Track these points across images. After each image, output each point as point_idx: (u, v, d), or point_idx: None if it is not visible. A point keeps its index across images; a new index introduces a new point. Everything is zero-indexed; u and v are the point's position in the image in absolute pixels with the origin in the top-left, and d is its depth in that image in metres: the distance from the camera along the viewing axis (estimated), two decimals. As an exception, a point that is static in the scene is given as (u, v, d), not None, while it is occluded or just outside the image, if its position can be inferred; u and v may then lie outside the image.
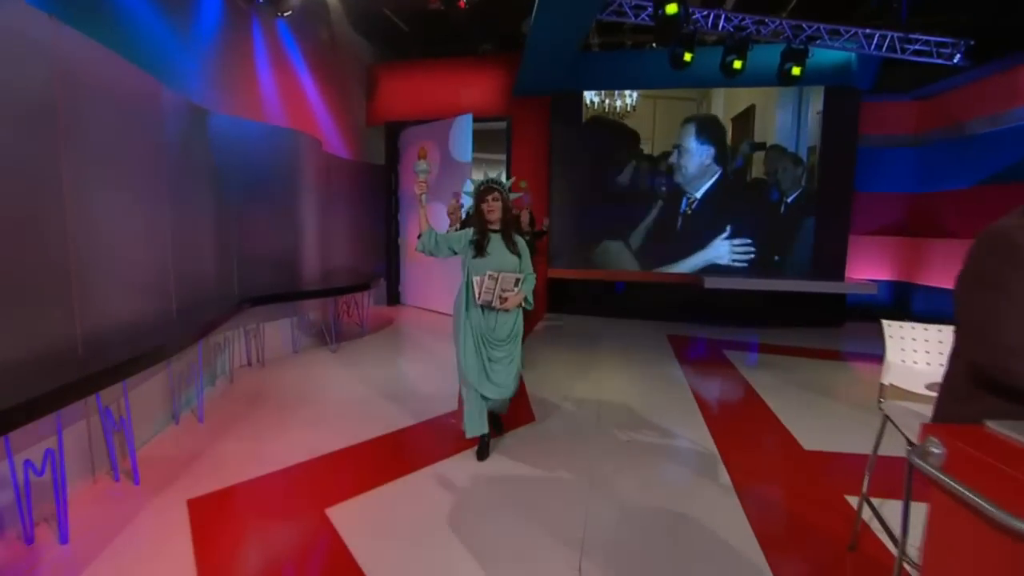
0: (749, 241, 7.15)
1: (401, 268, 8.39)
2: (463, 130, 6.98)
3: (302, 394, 4.14)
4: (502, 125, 7.79)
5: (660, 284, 7.34)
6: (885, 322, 2.15)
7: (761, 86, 6.90)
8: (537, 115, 7.60)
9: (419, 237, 2.85)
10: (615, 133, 7.44)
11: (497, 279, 2.73)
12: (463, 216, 4.23)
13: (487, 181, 2.82)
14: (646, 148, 7.43)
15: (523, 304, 2.87)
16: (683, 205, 7.24)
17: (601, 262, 7.64)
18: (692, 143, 7.13)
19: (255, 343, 5.00)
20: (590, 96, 7.47)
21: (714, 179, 7.12)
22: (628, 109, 7.42)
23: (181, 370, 3.70)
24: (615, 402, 4.06)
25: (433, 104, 7.84)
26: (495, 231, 2.84)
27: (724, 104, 7.20)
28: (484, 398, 2.86)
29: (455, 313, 2.90)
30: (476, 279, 2.74)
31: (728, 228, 7.26)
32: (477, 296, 2.75)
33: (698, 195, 7.20)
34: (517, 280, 2.78)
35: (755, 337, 6.51)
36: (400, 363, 5.20)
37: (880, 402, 2.13)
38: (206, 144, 4.27)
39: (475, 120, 7.80)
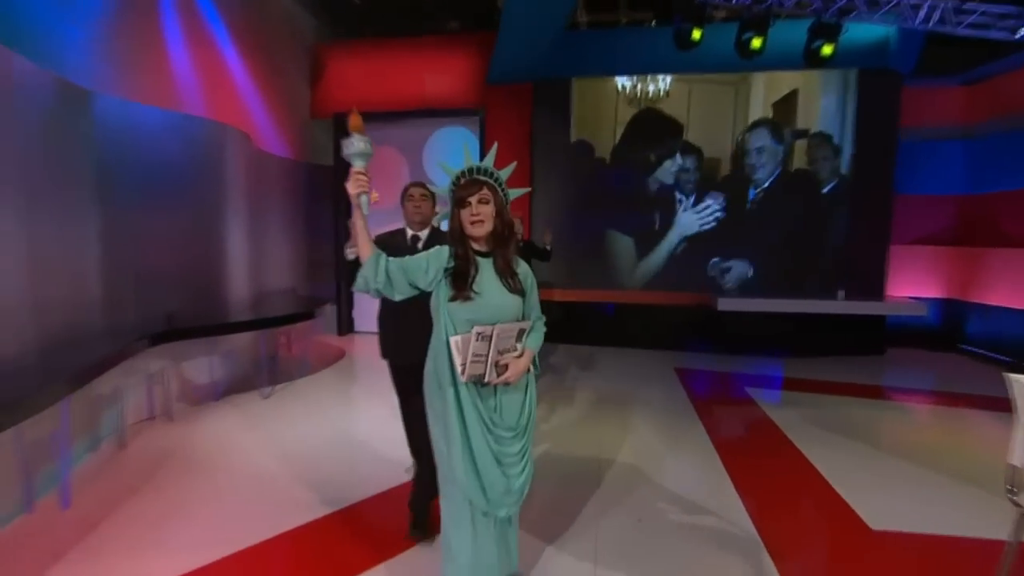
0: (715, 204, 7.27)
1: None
2: (447, 144, 6.85)
3: (218, 458, 3.82)
4: (474, 120, 7.71)
5: (662, 306, 7.23)
6: (1013, 376, 1.73)
7: (783, 69, 6.78)
8: (516, 107, 7.50)
9: (355, 267, 2.00)
10: (654, 125, 7.40)
11: (491, 337, 1.92)
12: (435, 225, 3.55)
13: (470, 170, 2.00)
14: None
15: (531, 370, 2.11)
16: (749, 200, 7.27)
17: (595, 278, 7.48)
18: (768, 142, 7.17)
19: (160, 391, 4.66)
20: (621, 81, 7.41)
21: (773, 176, 7.25)
22: (660, 95, 7.37)
23: (40, 436, 3.16)
24: (619, 463, 3.77)
25: (391, 93, 7.73)
26: (484, 254, 2.04)
27: (764, 89, 7.19)
28: (484, 514, 2.05)
29: (428, 389, 2.07)
30: (454, 341, 1.90)
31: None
32: (460, 368, 1.93)
33: (756, 192, 7.26)
34: (521, 332, 2.02)
35: (781, 370, 6.39)
36: (352, 409, 4.97)
37: (1010, 491, 1.71)
38: (88, 134, 3.93)
39: (442, 114, 7.65)
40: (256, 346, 5.66)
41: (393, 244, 2.66)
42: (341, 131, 7.93)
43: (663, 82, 7.31)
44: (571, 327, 7.44)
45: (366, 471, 3.56)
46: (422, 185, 2.80)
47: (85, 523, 2.94)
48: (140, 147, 4.42)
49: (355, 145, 1.92)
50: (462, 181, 1.99)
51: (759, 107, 7.19)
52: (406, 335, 2.50)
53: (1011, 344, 6.42)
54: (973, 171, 7.10)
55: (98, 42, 4.20)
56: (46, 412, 2.99)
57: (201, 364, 5.06)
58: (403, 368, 2.74)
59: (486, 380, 1.96)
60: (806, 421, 4.59)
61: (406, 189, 2.76)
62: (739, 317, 6.86)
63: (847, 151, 6.98)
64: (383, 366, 2.83)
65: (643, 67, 7.20)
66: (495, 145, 2.13)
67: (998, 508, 3.03)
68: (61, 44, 3.81)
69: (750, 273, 7.23)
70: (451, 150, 7.65)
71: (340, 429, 4.37)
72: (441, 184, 2.10)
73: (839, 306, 6.63)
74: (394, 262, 1.96)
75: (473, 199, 1.95)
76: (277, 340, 6.31)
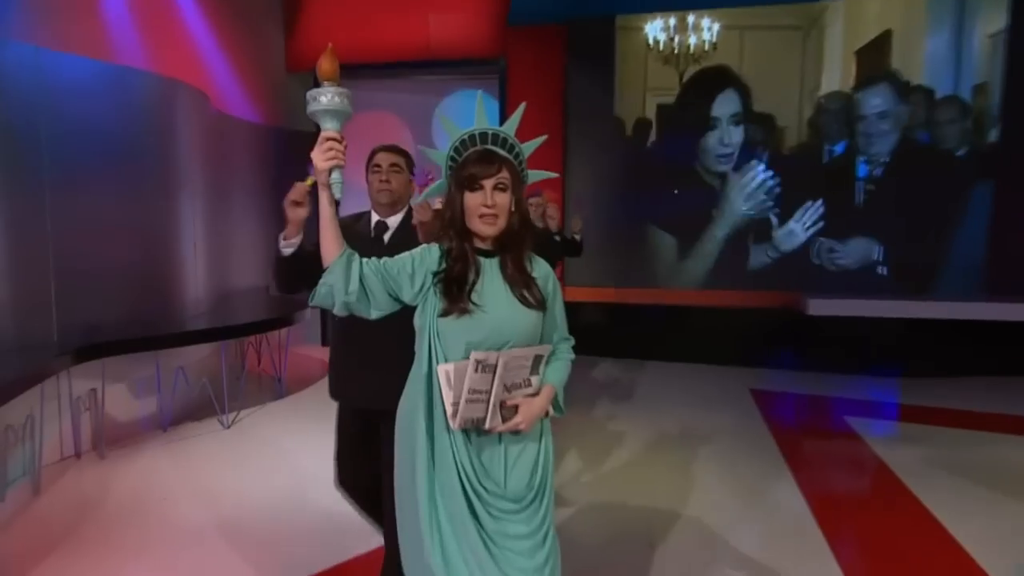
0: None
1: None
2: (462, 111, 6.94)
3: (157, 510, 3.81)
4: (492, 77, 7.69)
5: (732, 309, 7.29)
6: None
7: None
8: (545, 54, 7.47)
9: (293, 266, 1.98)
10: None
11: (494, 368, 1.74)
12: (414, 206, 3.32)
13: (483, 135, 1.81)
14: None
15: (550, 412, 1.92)
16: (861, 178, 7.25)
17: (642, 274, 7.62)
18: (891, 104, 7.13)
19: (90, 420, 4.68)
20: (653, 32, 7.41)
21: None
22: (705, 48, 7.39)
23: None
24: (677, 522, 3.63)
25: (388, 40, 7.74)
26: (488, 252, 1.87)
27: (843, 30, 7.16)
28: None
29: (401, 434, 1.90)
30: (444, 371, 1.74)
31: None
32: (449, 410, 1.75)
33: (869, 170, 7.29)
34: (537, 360, 1.85)
35: (894, 393, 6.30)
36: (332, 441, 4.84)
37: None
38: None
39: (453, 65, 7.74)
40: (216, 361, 5.67)
41: (351, 235, 2.37)
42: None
43: (708, 32, 7.27)
44: (612, 336, 7.38)
45: (344, 527, 3.41)
46: (395, 149, 2.56)
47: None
48: (61, 107, 4.44)
49: (326, 98, 1.67)
50: (465, 153, 1.78)
51: (836, 58, 7.19)
52: (373, 368, 2.33)
53: None
54: None
55: None
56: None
57: (143, 386, 5.08)
58: (364, 414, 2.53)
59: (487, 426, 1.74)
60: (932, 465, 4.46)
61: (372, 154, 2.53)
62: (837, 323, 6.72)
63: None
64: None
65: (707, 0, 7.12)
66: (521, 107, 1.85)
67: None
68: None
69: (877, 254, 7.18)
70: (466, 117, 7.56)
71: (317, 470, 4.26)
72: (440, 147, 1.86)
73: (978, 310, 6.44)
74: (370, 265, 1.76)
75: (488, 183, 1.71)
76: (243, 353, 6.38)
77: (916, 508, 3.80)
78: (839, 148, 7.18)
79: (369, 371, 2.39)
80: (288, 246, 2.23)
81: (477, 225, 1.75)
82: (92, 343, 4.35)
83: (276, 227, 2.61)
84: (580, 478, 4.25)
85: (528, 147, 1.86)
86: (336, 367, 2.60)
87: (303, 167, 6.56)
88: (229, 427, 5.21)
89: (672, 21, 7.29)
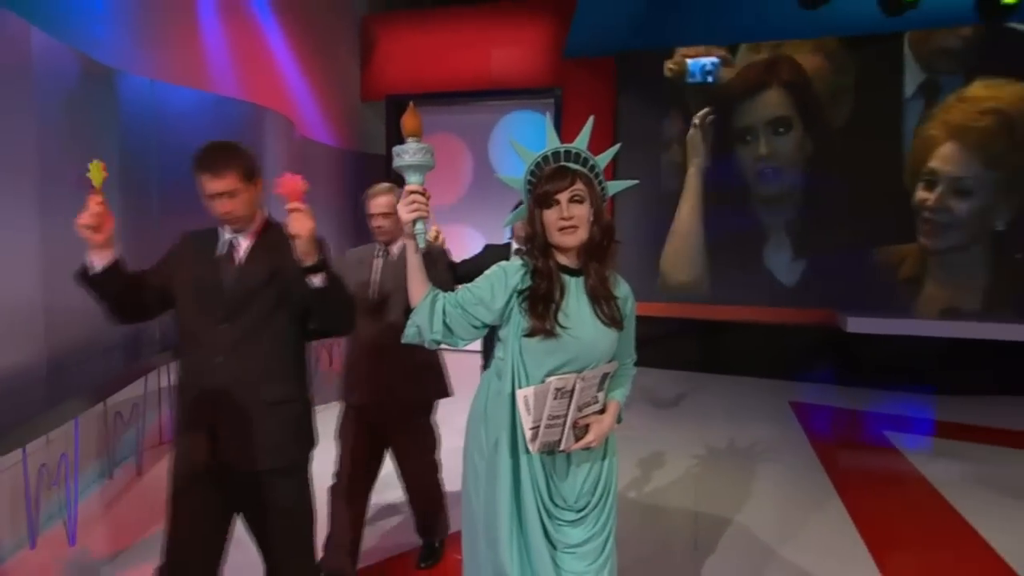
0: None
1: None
2: (519, 131, 6.97)
3: None
4: (548, 101, 7.67)
5: (773, 324, 7.03)
6: None
7: (946, 26, 6.28)
8: (598, 85, 7.41)
9: (409, 312, 1.74)
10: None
11: (572, 390, 1.65)
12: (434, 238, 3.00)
13: (555, 154, 1.73)
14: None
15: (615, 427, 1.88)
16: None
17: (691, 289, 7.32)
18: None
19: None
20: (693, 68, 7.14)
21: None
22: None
23: (47, 460, 3.21)
24: (719, 534, 3.47)
25: (453, 71, 7.80)
26: (572, 271, 1.75)
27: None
28: None
29: (471, 450, 1.82)
30: (523, 396, 1.63)
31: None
32: (528, 435, 1.65)
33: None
34: (604, 378, 1.75)
35: (931, 410, 6.06)
36: None
37: None
38: (114, 115, 4.05)
39: (511, 95, 7.74)
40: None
41: (357, 263, 2.72)
42: (394, 115, 8.05)
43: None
44: (657, 347, 7.11)
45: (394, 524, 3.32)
46: (392, 192, 2.66)
47: (90, 567, 2.95)
48: (170, 135, 4.50)
49: (410, 154, 1.64)
50: (544, 170, 1.69)
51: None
52: (386, 368, 2.58)
53: None
54: None
55: (123, 15, 4.35)
56: (54, 432, 3.07)
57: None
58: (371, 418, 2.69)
59: (561, 448, 1.68)
60: (969, 479, 4.26)
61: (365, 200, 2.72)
62: (875, 341, 6.45)
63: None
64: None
65: (758, 32, 6.87)
66: (590, 121, 1.79)
67: None
68: (79, 16, 3.96)
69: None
70: (523, 136, 7.51)
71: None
72: (514, 173, 1.82)
73: (1014, 331, 6.13)
74: (450, 300, 1.69)
75: (563, 196, 1.64)
76: (317, 354, 6.32)
77: (957, 521, 3.63)
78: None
79: (380, 374, 2.60)
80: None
81: (558, 239, 1.67)
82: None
83: (353, 241, 2.72)
84: (628, 484, 4.11)
85: (603, 159, 1.76)
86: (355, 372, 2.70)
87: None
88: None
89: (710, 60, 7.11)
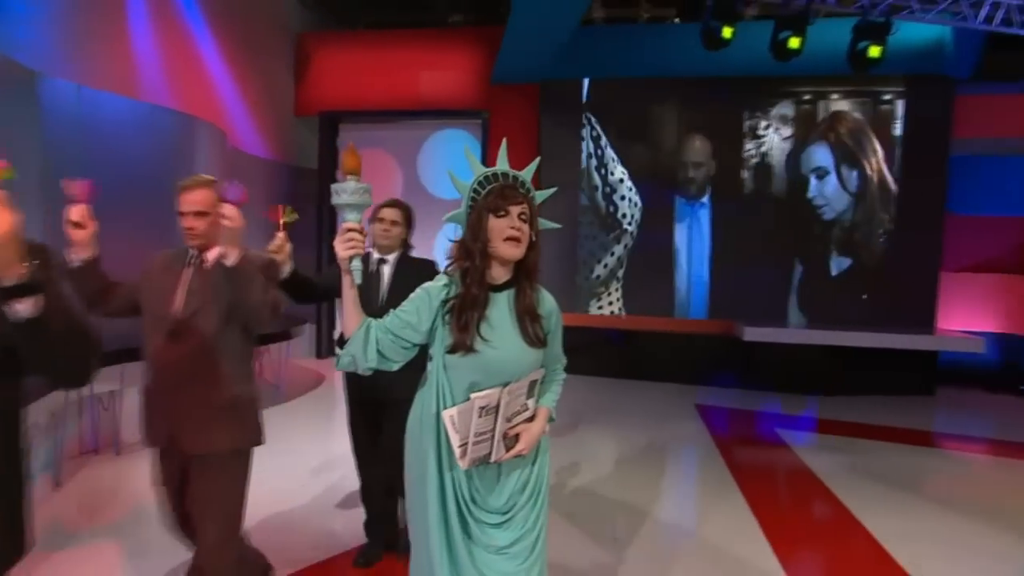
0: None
1: (337, 307, 8.01)
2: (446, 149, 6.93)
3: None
4: (477, 122, 7.75)
5: (681, 334, 7.26)
6: None
7: (824, 74, 6.77)
8: (524, 109, 7.52)
9: (340, 342, 1.72)
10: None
11: (497, 407, 1.66)
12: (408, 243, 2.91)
13: (504, 174, 1.73)
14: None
15: (546, 430, 1.87)
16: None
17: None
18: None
19: (107, 418, 4.49)
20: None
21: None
22: None
23: None
24: (637, 520, 3.58)
25: (385, 91, 7.78)
26: (500, 287, 1.76)
27: None
28: None
29: (413, 465, 1.80)
30: (448, 416, 1.65)
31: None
32: (457, 453, 1.66)
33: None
34: (532, 385, 1.77)
35: (815, 409, 6.35)
36: (325, 445, 4.77)
37: None
38: (35, 120, 3.89)
39: (441, 116, 7.72)
40: None
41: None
42: (327, 130, 8.01)
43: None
44: (578, 355, 7.25)
45: (332, 524, 3.38)
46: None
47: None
48: (97, 141, 4.34)
49: (349, 192, 1.61)
50: (494, 187, 1.69)
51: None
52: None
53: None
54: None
55: (49, 18, 4.15)
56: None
57: None
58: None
59: (492, 459, 1.69)
60: (847, 470, 4.50)
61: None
62: (768, 349, 6.77)
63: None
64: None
65: (665, 68, 7.17)
66: (504, 141, 1.79)
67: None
68: (2, 18, 3.74)
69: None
70: (450, 154, 7.62)
71: (309, 469, 4.23)
72: (442, 191, 1.87)
73: (883, 339, 6.53)
74: (380, 328, 1.68)
75: (514, 210, 1.65)
76: (258, 359, 6.15)
77: (836, 506, 3.82)
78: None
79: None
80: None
81: (501, 248, 1.66)
82: (114, 349, 4.13)
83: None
84: (553, 484, 4.09)
85: (527, 172, 1.78)
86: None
87: (307, 200, 6.66)
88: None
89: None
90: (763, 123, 7.14)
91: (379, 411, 2.74)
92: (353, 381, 2.76)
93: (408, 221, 2.77)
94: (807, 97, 7.04)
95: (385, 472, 2.71)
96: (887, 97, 6.89)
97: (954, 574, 3.04)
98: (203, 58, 6.01)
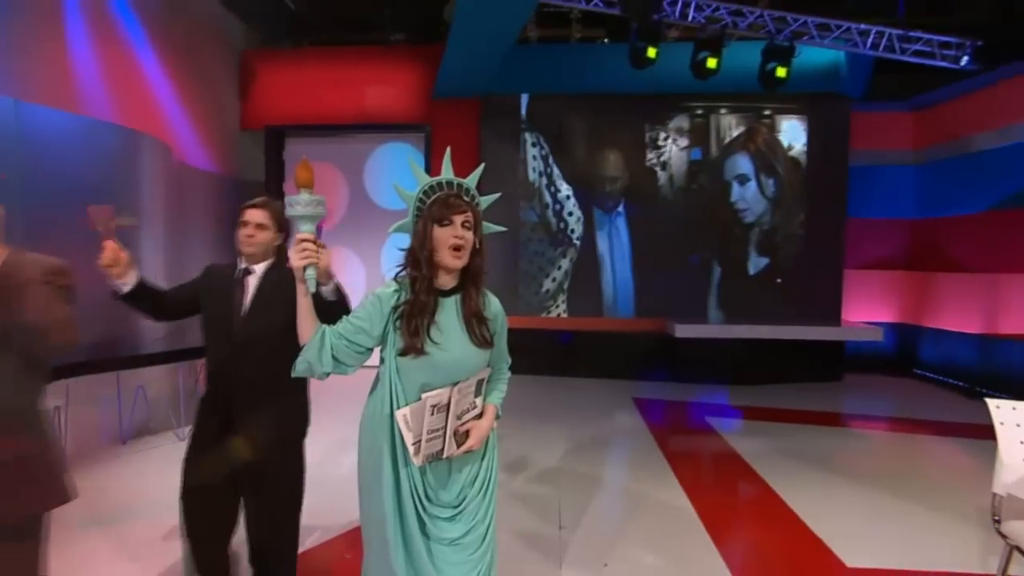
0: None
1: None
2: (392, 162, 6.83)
3: (118, 513, 3.50)
4: (420, 136, 7.75)
5: (617, 333, 7.35)
6: (993, 403, 1.74)
7: (739, 91, 7.05)
8: (465, 123, 7.54)
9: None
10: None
11: (448, 405, 1.66)
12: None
13: (449, 183, 1.72)
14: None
15: (495, 426, 1.88)
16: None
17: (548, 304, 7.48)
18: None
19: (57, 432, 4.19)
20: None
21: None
22: None
23: None
24: (580, 507, 3.66)
25: (330, 106, 7.71)
26: (448, 292, 1.76)
27: None
28: None
29: (365, 463, 1.77)
30: (401, 415, 1.64)
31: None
32: (411, 451, 1.65)
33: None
34: (479, 384, 1.78)
35: (739, 398, 6.51)
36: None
37: (996, 522, 1.70)
38: None
39: (385, 129, 7.69)
40: (174, 381, 5.36)
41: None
42: (273, 143, 7.84)
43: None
44: (521, 356, 7.30)
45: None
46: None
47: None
48: (36, 157, 4.14)
49: (303, 204, 1.61)
50: (438, 195, 1.69)
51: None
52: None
53: (963, 369, 6.75)
54: (922, 196, 7.53)
55: None
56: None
57: (107, 403, 4.74)
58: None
59: (444, 456, 1.70)
60: (770, 451, 4.66)
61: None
62: (694, 344, 6.96)
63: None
64: (314, 401, 2.45)
65: (595, 85, 7.34)
66: (448, 151, 1.77)
67: (975, 539, 3.14)
68: None
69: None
70: (395, 167, 7.61)
71: None
72: (389, 202, 1.91)
73: (797, 332, 6.81)
74: (333, 334, 1.67)
75: (458, 219, 1.65)
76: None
77: (761, 485, 3.98)
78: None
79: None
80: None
81: (446, 257, 1.67)
82: (56, 365, 4.05)
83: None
84: (500, 477, 4.11)
85: (485, 200, 1.79)
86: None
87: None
88: (184, 439, 4.88)
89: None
90: (663, 135, 7.44)
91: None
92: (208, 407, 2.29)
93: (280, 224, 2.21)
94: (723, 111, 7.33)
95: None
96: (792, 113, 7.25)
97: (866, 541, 3.19)
98: (145, 73, 5.80)
